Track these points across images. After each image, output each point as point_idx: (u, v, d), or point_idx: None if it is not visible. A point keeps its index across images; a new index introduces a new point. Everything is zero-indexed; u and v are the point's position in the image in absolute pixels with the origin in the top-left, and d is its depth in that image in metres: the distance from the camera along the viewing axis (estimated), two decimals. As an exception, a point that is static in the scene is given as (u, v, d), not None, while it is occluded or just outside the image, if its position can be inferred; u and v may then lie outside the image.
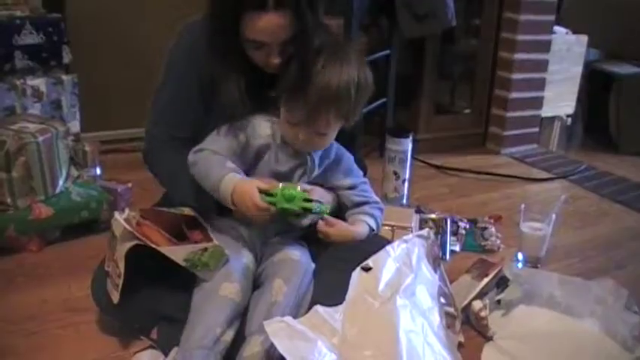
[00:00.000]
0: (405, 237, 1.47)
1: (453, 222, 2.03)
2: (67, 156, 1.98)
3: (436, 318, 1.39)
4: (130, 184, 2.10)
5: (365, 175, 1.57)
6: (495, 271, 1.63)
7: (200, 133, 1.42)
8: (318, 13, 1.36)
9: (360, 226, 1.45)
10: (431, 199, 2.37)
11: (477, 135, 3.10)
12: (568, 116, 3.28)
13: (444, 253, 1.89)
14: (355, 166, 1.52)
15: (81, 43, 2.44)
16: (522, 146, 3.09)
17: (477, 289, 1.59)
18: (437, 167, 2.76)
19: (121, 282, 1.29)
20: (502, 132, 3.03)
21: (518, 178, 2.70)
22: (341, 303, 1.28)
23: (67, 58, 2.29)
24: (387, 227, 1.77)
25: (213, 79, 1.40)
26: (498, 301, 1.60)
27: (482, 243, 2.00)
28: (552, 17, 2.96)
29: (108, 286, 1.37)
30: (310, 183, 1.44)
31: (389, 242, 1.46)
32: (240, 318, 1.30)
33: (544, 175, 2.78)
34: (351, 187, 1.50)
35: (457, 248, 1.98)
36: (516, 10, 2.84)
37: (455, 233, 2.01)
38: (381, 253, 1.38)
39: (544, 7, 2.90)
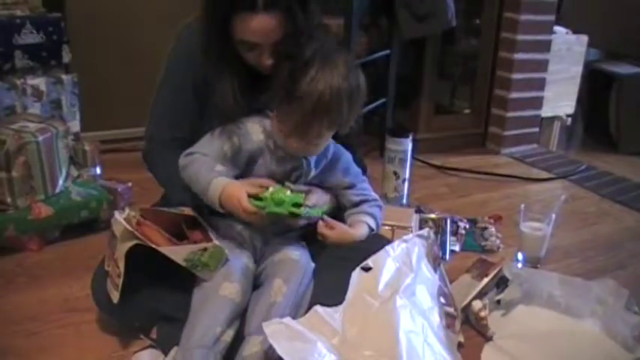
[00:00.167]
0: (404, 237, 1.47)
1: (453, 222, 2.03)
2: (67, 155, 1.98)
3: (436, 318, 1.39)
4: (129, 184, 2.10)
5: (365, 174, 1.57)
6: (495, 271, 1.63)
7: (199, 134, 1.42)
8: (311, 14, 1.35)
9: (359, 227, 1.45)
10: (431, 199, 2.37)
11: (476, 135, 3.10)
12: (568, 116, 3.28)
13: (444, 253, 1.89)
14: (353, 164, 1.52)
15: (81, 43, 2.44)
16: (522, 146, 3.09)
17: (477, 289, 1.59)
18: (437, 167, 2.76)
19: (120, 282, 1.29)
20: (502, 132, 3.03)
21: (518, 178, 2.70)
22: (341, 303, 1.28)
23: (67, 57, 2.29)
24: (386, 227, 1.77)
25: (207, 80, 1.40)
26: (498, 301, 1.60)
27: (482, 243, 2.00)
28: (552, 17, 2.96)
29: (108, 285, 1.37)
30: (308, 183, 1.45)
31: (389, 242, 1.46)
32: (240, 318, 1.30)
33: (544, 175, 2.77)
34: (350, 186, 1.50)
35: (457, 248, 1.98)
36: (516, 10, 2.84)
37: (455, 233, 2.01)
38: (381, 252, 1.38)
39: (544, 7, 2.90)
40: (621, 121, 3.31)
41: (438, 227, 1.95)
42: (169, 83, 1.49)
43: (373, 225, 1.48)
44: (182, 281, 1.32)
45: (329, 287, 1.34)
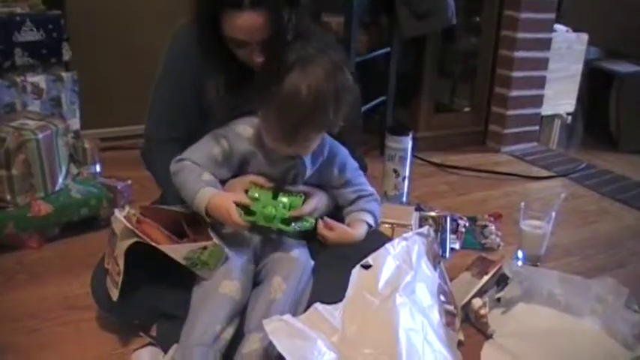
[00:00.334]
0: (404, 235, 1.47)
1: (453, 220, 2.03)
2: (67, 153, 1.98)
3: (436, 316, 1.39)
4: (129, 182, 2.10)
5: (365, 173, 1.57)
6: (495, 269, 1.63)
7: (200, 134, 1.42)
8: (300, 14, 1.35)
9: (359, 227, 1.45)
10: (431, 197, 2.37)
11: (477, 133, 3.10)
12: (568, 114, 3.28)
13: (444, 251, 1.89)
14: (350, 159, 1.50)
15: (81, 40, 2.44)
16: (522, 144, 3.09)
17: (477, 287, 1.59)
18: (437, 165, 2.76)
19: (120, 279, 1.29)
20: (502, 130, 3.03)
21: (518, 176, 2.70)
22: (340, 301, 1.28)
23: (66, 55, 2.29)
24: (386, 225, 1.77)
25: (199, 78, 1.41)
26: (498, 299, 1.60)
27: (482, 241, 2.00)
28: (553, 15, 2.96)
29: (107, 283, 1.37)
30: (306, 183, 1.44)
31: (389, 240, 1.45)
32: (240, 316, 1.30)
33: (544, 173, 2.77)
34: (347, 183, 1.49)
35: (457, 246, 1.98)
36: (517, 7, 2.84)
37: (455, 231, 2.01)
38: (381, 250, 1.38)
39: (544, 5, 2.90)
40: (621, 119, 3.31)
41: (438, 225, 1.95)
42: (166, 83, 1.50)
43: (372, 222, 1.48)
44: (182, 279, 1.32)
45: (329, 285, 1.34)
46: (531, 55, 2.94)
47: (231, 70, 1.41)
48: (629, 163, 3.03)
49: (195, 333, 1.21)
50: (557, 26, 3.05)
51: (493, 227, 2.04)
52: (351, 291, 1.30)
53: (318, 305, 1.26)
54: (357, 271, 1.33)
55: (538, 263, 1.88)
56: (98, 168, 2.17)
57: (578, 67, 3.21)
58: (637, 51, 3.41)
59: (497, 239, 2.01)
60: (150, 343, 1.38)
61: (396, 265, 1.38)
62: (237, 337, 1.27)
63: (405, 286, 1.34)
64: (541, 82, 3.04)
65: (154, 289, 1.37)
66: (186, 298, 1.30)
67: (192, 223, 1.40)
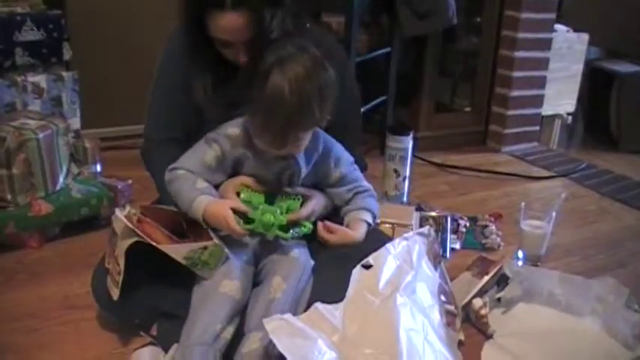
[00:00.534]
0: (405, 234, 1.47)
1: (454, 220, 2.03)
2: (68, 153, 1.98)
3: (436, 316, 1.39)
4: (130, 181, 2.10)
5: (365, 172, 1.57)
6: (496, 269, 1.63)
7: (195, 134, 1.43)
8: (285, 13, 1.35)
9: (359, 227, 1.44)
10: (431, 197, 2.37)
11: (477, 133, 3.10)
12: (569, 114, 3.28)
13: (445, 251, 1.89)
14: (345, 152, 1.48)
15: (81, 40, 2.44)
16: (523, 144, 3.08)
17: (478, 287, 1.59)
18: (437, 165, 2.76)
19: (121, 279, 1.29)
20: (503, 130, 3.03)
21: (518, 176, 2.70)
22: (341, 300, 1.28)
23: (67, 54, 2.29)
24: (387, 225, 1.77)
25: (188, 78, 1.43)
26: (499, 299, 1.61)
27: (483, 241, 2.00)
28: (553, 15, 2.96)
29: (108, 282, 1.37)
30: (302, 184, 1.43)
31: (389, 240, 1.45)
32: (240, 315, 1.30)
33: (544, 173, 2.77)
34: (342, 179, 1.47)
35: (457, 246, 1.98)
36: (517, 7, 2.84)
37: (455, 231, 2.01)
38: (382, 250, 1.38)
39: (545, 5, 2.90)
40: (622, 119, 3.31)
41: (439, 225, 1.95)
42: (162, 83, 1.51)
43: (371, 220, 1.47)
44: (182, 278, 1.32)
45: (329, 284, 1.34)
46: (532, 55, 2.94)
47: (218, 70, 1.42)
48: (630, 163, 3.03)
49: (196, 332, 1.22)
50: (557, 26, 3.05)
51: (493, 227, 2.04)
52: (351, 291, 1.30)
53: (318, 305, 1.26)
54: (357, 271, 1.33)
55: (538, 263, 1.88)
56: (99, 167, 2.17)
57: (578, 67, 3.21)
58: (637, 51, 3.41)
59: (498, 239, 2.01)
60: (150, 343, 1.38)
61: (397, 265, 1.38)
62: (238, 337, 1.27)
63: (406, 286, 1.34)
64: (541, 82, 3.04)
65: (155, 289, 1.37)
66: (186, 297, 1.30)
67: (193, 223, 1.40)
